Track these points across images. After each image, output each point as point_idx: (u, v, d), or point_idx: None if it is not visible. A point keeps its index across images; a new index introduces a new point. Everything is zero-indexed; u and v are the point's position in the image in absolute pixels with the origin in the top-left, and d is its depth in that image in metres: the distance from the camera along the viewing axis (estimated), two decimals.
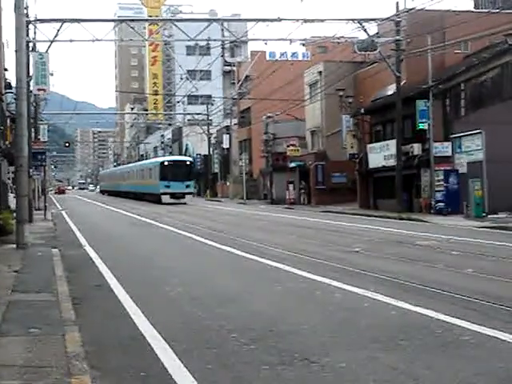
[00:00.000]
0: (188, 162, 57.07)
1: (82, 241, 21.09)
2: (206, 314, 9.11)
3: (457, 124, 32.77)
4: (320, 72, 49.68)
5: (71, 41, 31.05)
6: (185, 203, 52.07)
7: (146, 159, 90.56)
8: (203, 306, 9.66)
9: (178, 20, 50.92)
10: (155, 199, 54.68)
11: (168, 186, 53.66)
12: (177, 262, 15.62)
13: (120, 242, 21.54)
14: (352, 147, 42.10)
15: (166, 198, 53.14)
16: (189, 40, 35.04)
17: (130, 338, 7.81)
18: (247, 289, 11.45)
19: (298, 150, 50.84)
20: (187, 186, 54.72)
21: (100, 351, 7.22)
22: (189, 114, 79.73)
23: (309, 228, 25.77)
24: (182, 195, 53.73)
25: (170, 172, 54.46)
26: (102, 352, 7.21)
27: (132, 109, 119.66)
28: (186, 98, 74.92)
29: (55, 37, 30.16)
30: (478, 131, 30.34)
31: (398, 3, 34.45)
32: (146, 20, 74.93)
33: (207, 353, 7.07)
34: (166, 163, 56.27)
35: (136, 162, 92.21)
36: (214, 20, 39.30)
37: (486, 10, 41.84)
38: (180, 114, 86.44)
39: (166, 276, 13.01)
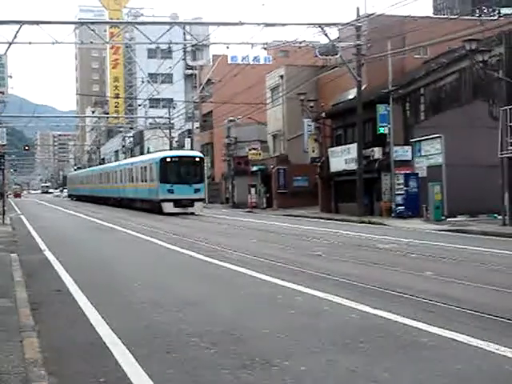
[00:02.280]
0: (198, 159, 43.56)
1: (42, 246, 20.83)
2: (167, 318, 9.08)
3: (417, 128, 33.16)
4: (281, 76, 49.91)
5: (30, 43, 30.69)
6: (192, 213, 40.60)
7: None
8: (164, 311, 9.62)
9: (139, 23, 50.69)
10: (154, 208, 42.70)
11: (171, 191, 41.15)
12: (138, 267, 15.52)
13: (81, 246, 21.32)
14: (313, 151, 42.36)
15: (168, 207, 40.81)
16: (150, 43, 34.90)
17: (89, 344, 7.74)
18: (208, 293, 11.42)
19: (259, 154, 51.02)
20: (197, 191, 41.72)
21: (59, 357, 7.14)
22: (150, 117, 79.31)
23: (271, 232, 25.81)
24: (191, 202, 41.10)
25: (174, 171, 42.01)
26: (61, 358, 7.13)
27: (93, 112, 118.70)
28: (147, 102, 74.42)
29: (14, 39, 29.79)
30: (437, 135, 30.74)
31: (358, 8, 34.80)
32: (107, 23, 74.60)
33: (167, 357, 7.04)
34: (168, 160, 42.71)
35: (98, 165, 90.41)
36: (176, 23, 39.24)
37: (445, 16, 42.51)
38: (141, 117, 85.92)
39: (126, 281, 12.93)
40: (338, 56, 35.23)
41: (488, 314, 8.86)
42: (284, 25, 33.85)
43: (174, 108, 71.26)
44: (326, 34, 33.38)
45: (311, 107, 42.75)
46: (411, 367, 6.57)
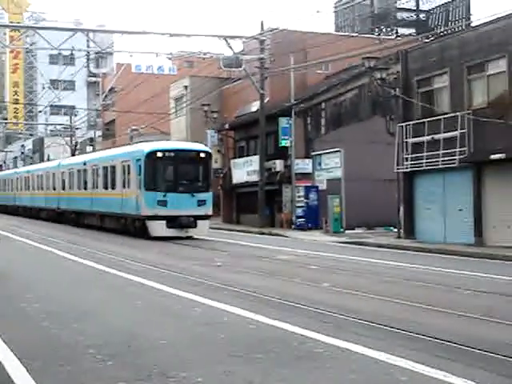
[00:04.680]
0: (203, 154, 28.46)
1: None
2: (63, 329, 8.89)
3: (317, 142, 33.84)
4: (186, 86, 49.83)
5: None
6: (191, 237, 27.11)
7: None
8: (60, 322, 9.41)
9: (41, 28, 49.49)
10: (130, 228, 28.89)
11: (163, 203, 26.83)
12: (34, 277, 15.11)
13: None
14: (216, 162, 42.46)
15: (158, 227, 26.68)
16: (52, 49, 34.20)
17: None
18: (106, 303, 11.27)
19: None
20: (201, 203, 27.41)
21: None
22: (51, 124, 77.62)
23: (173, 243, 25.64)
24: (193, 221, 26.92)
25: (168, 173, 28.10)
26: None
27: None
28: (48, 108, 72.82)
29: None
30: (337, 149, 31.42)
31: (262, 22, 35.25)
32: (7, 26, 72.36)
33: (62, 370, 6.89)
34: (159, 154, 27.59)
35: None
36: (79, 30, 38.55)
37: (346, 34, 43.62)
38: (42, 124, 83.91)
39: (22, 291, 12.57)
40: (241, 68, 35.55)
41: (381, 325, 9.12)
42: (189, 35, 33.98)
43: (76, 115, 69.98)
44: (230, 47, 33.67)
45: (215, 118, 42.89)
46: (308, 377, 6.67)
